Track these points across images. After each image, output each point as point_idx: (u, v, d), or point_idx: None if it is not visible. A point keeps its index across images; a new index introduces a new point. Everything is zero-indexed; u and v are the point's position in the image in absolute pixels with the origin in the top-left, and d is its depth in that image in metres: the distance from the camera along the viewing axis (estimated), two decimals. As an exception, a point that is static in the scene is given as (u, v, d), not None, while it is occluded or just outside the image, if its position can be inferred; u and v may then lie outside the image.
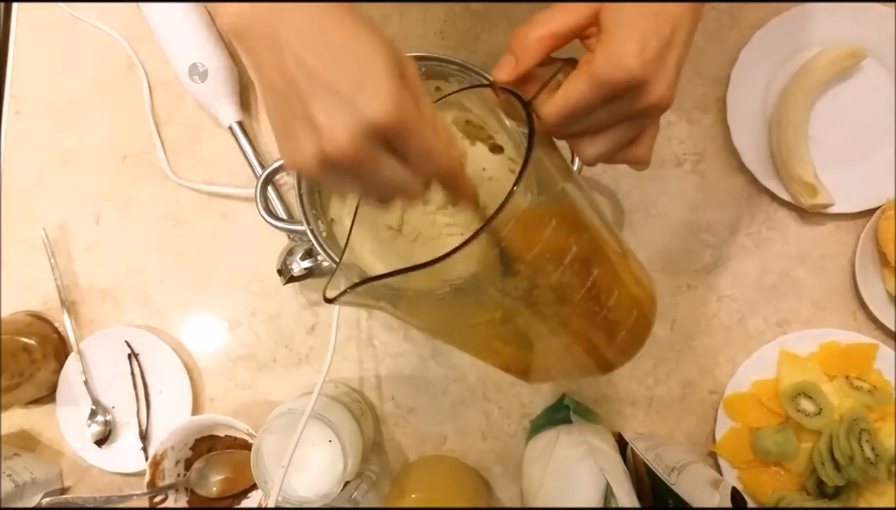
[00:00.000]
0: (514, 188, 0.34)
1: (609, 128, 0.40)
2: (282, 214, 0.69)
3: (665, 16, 0.37)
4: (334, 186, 0.37)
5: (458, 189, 0.38)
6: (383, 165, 0.34)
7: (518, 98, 0.38)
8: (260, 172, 0.69)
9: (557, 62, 0.40)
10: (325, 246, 0.57)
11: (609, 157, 0.41)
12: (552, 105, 0.38)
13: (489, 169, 0.51)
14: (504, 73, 0.40)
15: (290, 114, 0.34)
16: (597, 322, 0.43)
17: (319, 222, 0.59)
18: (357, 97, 0.32)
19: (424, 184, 0.36)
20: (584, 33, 0.40)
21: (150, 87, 0.73)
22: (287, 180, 0.69)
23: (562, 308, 0.42)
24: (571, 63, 0.40)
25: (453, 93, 0.44)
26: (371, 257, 0.62)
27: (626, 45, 0.36)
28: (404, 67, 0.34)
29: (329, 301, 0.37)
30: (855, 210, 0.64)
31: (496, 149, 0.48)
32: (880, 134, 0.65)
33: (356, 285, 0.36)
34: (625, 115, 0.39)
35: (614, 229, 0.46)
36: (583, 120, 0.39)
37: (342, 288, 0.37)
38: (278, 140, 0.36)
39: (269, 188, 0.68)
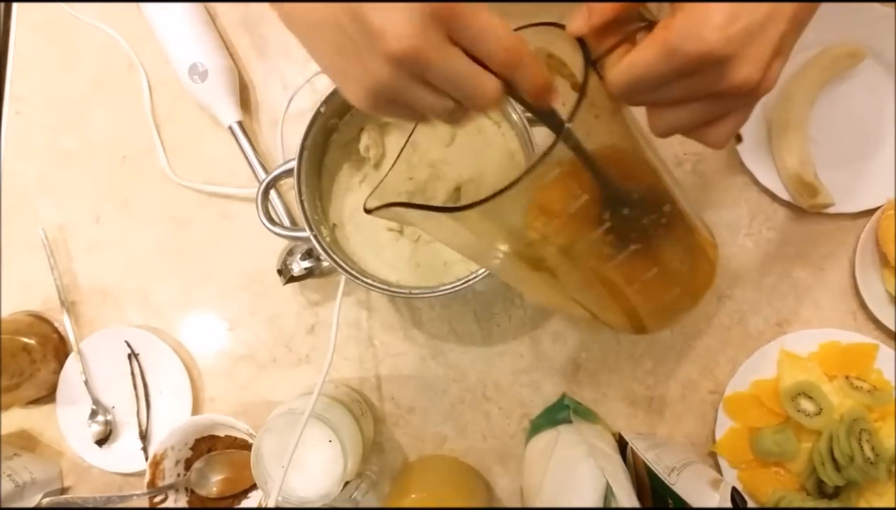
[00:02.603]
0: (568, 125, 0.33)
1: (685, 103, 0.36)
2: (283, 217, 0.69)
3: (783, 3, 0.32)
4: (409, 101, 0.35)
5: (529, 75, 0.34)
6: (450, 56, 0.33)
7: (582, 46, 0.35)
8: (261, 173, 0.69)
9: (641, 22, 0.36)
10: (328, 250, 0.57)
11: (682, 132, 0.37)
12: (616, 72, 0.35)
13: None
14: (576, 25, 0.35)
15: (346, 41, 0.34)
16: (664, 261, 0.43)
17: (322, 227, 0.59)
18: None
19: (496, 75, 0.34)
20: None
21: (150, 87, 0.73)
22: (287, 181, 0.69)
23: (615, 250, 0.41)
24: (651, 27, 0.35)
25: (524, 27, 0.40)
26: (375, 260, 0.62)
27: (709, 15, 0.32)
28: None
29: (368, 211, 0.38)
30: (855, 210, 0.64)
31: (577, 87, 0.44)
32: (880, 134, 0.65)
33: (393, 205, 0.38)
34: (703, 94, 0.35)
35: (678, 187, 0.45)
36: (652, 92, 0.35)
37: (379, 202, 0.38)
38: (340, 83, 0.36)
39: (271, 192, 0.68)
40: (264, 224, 0.60)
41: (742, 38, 0.33)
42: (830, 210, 0.63)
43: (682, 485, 0.52)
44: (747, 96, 0.35)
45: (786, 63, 0.36)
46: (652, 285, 0.44)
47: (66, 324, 0.71)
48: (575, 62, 0.39)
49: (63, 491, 0.72)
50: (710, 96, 0.35)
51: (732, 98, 0.35)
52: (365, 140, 0.62)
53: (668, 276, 0.45)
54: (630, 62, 0.34)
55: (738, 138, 0.45)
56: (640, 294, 0.45)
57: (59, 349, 0.72)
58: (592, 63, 0.35)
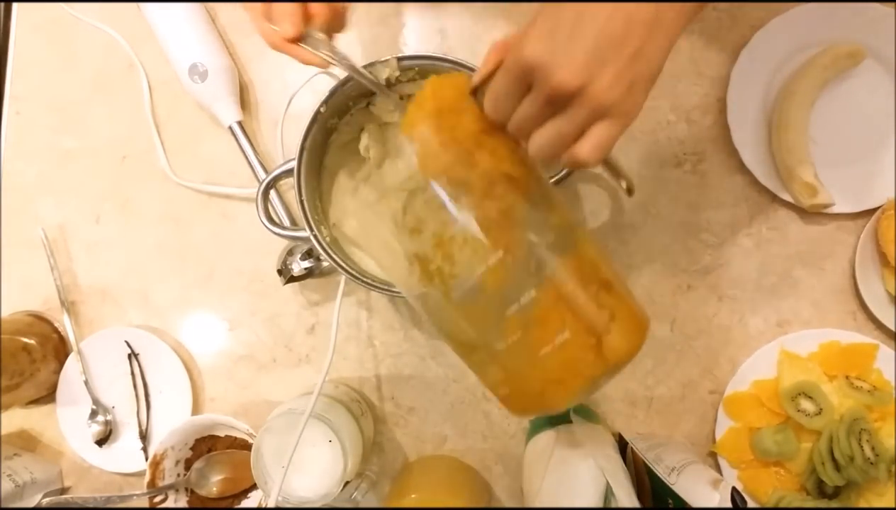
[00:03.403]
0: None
1: (545, 123, 0.40)
2: (283, 217, 0.69)
3: (589, 13, 0.37)
4: None
5: (298, 58, 0.54)
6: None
7: (474, 91, 0.43)
8: (261, 173, 0.69)
9: None
10: (328, 250, 0.57)
11: (552, 154, 0.41)
12: (484, 99, 0.41)
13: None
14: (476, 76, 0.42)
15: None
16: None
17: (322, 227, 0.59)
18: None
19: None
20: None
21: (150, 87, 0.73)
22: (287, 181, 0.69)
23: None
24: None
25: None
26: (380, 252, 0.62)
27: (531, 26, 0.38)
28: None
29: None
30: (855, 210, 0.64)
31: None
32: (880, 134, 0.65)
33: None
34: (544, 104, 0.39)
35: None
36: (513, 114, 0.40)
37: None
38: None
39: (271, 192, 0.68)
40: (264, 224, 0.60)
41: (553, 44, 0.37)
42: (830, 210, 0.63)
43: (682, 485, 0.52)
44: (583, 106, 0.38)
45: (634, 74, 0.38)
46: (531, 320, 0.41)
47: (66, 324, 0.71)
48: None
49: (63, 491, 0.72)
50: (555, 109, 0.39)
51: (571, 107, 0.38)
52: (365, 140, 0.61)
53: (558, 314, 0.41)
54: (490, 85, 0.41)
55: (629, 190, 0.44)
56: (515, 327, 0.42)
57: (59, 349, 0.72)
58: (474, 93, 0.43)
